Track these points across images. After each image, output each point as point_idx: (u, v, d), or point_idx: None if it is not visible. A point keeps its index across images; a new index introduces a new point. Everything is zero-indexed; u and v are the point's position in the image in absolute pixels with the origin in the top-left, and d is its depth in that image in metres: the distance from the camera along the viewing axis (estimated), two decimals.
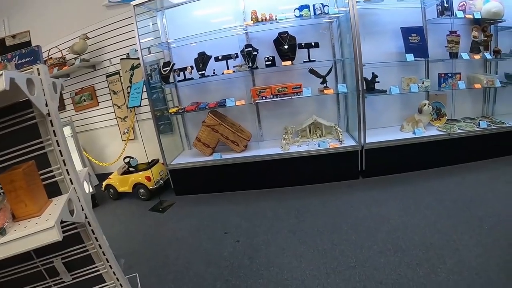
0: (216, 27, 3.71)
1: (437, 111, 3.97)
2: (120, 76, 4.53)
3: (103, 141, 5.00)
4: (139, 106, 3.73)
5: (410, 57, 3.59)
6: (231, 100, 3.78)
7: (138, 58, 4.16)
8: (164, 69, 3.95)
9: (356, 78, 3.44)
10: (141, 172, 4.19)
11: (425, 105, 3.70)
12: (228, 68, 3.77)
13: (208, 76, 3.85)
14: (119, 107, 4.64)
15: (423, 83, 3.65)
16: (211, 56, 3.86)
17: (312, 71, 3.72)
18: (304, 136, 4.10)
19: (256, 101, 3.80)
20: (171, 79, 4.04)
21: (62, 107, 5.01)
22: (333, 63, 3.83)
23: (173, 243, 3.00)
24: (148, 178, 4.16)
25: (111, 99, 4.67)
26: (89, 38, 4.42)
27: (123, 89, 4.54)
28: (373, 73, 3.64)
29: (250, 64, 3.72)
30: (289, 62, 3.63)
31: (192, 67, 3.87)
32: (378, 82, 3.68)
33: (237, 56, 3.76)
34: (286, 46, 3.68)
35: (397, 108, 4.10)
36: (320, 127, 4.04)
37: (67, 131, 4.21)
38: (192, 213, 3.57)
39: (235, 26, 3.67)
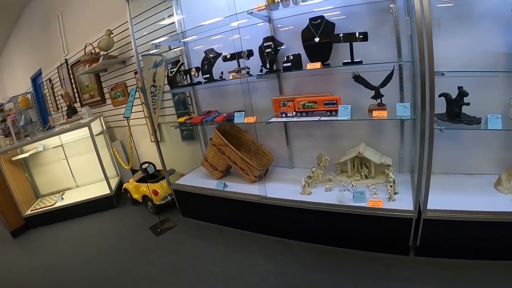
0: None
1: None
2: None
3: (135, 139, 4.43)
4: (129, 117, 2.99)
5: None
6: (240, 115, 2.65)
7: (161, 55, 3.42)
8: (171, 70, 3.05)
9: (421, 96, 1.89)
10: (149, 184, 3.51)
11: None
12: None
13: (216, 80, 2.80)
14: None
15: None
16: (220, 54, 2.79)
17: (358, 79, 2.33)
18: (344, 171, 2.73)
19: (271, 120, 2.57)
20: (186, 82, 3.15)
21: (102, 100, 4.63)
22: (394, 67, 2.25)
23: (140, 283, 2.41)
24: (155, 192, 3.47)
25: (139, 97, 4.00)
26: (114, 34, 3.82)
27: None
28: (460, 88, 2.05)
29: (268, 66, 2.53)
30: (318, 65, 2.29)
31: (198, 68, 2.87)
32: (468, 104, 2.05)
33: (251, 54, 2.60)
34: (317, 39, 2.34)
35: (496, 148, 2.33)
36: (369, 164, 2.61)
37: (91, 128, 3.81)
38: (182, 247, 2.82)
39: (239, 12, 2.38)
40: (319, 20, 2.36)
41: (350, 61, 2.26)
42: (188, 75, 2.96)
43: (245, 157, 2.76)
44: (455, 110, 2.10)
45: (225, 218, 3.00)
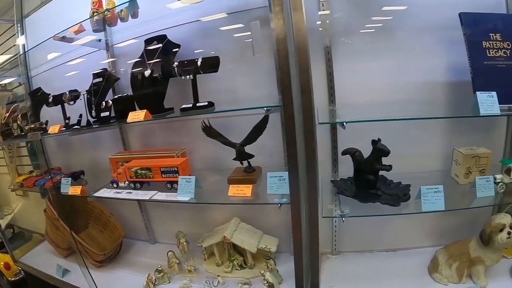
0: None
1: None
2: None
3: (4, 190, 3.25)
4: None
5: (491, 105, 0.99)
6: (66, 184, 1.63)
7: (11, 91, 2.44)
8: (4, 115, 2.04)
9: (289, 169, 1.01)
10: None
11: (502, 229, 1.10)
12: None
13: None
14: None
15: (509, 171, 1.09)
16: (47, 96, 1.74)
17: (209, 132, 1.40)
18: (214, 254, 1.71)
19: (97, 194, 1.53)
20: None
21: None
22: (269, 112, 1.26)
23: None
24: (7, 266, 2.36)
25: None
26: None
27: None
28: (375, 142, 1.17)
29: (94, 114, 1.56)
30: (141, 114, 1.29)
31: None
32: (389, 168, 1.16)
33: (76, 97, 1.61)
34: (147, 72, 1.38)
35: (429, 215, 1.43)
36: (243, 251, 1.59)
37: None
38: None
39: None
40: (156, 41, 1.42)
41: (193, 105, 1.34)
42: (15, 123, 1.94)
43: (83, 236, 1.75)
44: (368, 178, 1.20)
45: None
